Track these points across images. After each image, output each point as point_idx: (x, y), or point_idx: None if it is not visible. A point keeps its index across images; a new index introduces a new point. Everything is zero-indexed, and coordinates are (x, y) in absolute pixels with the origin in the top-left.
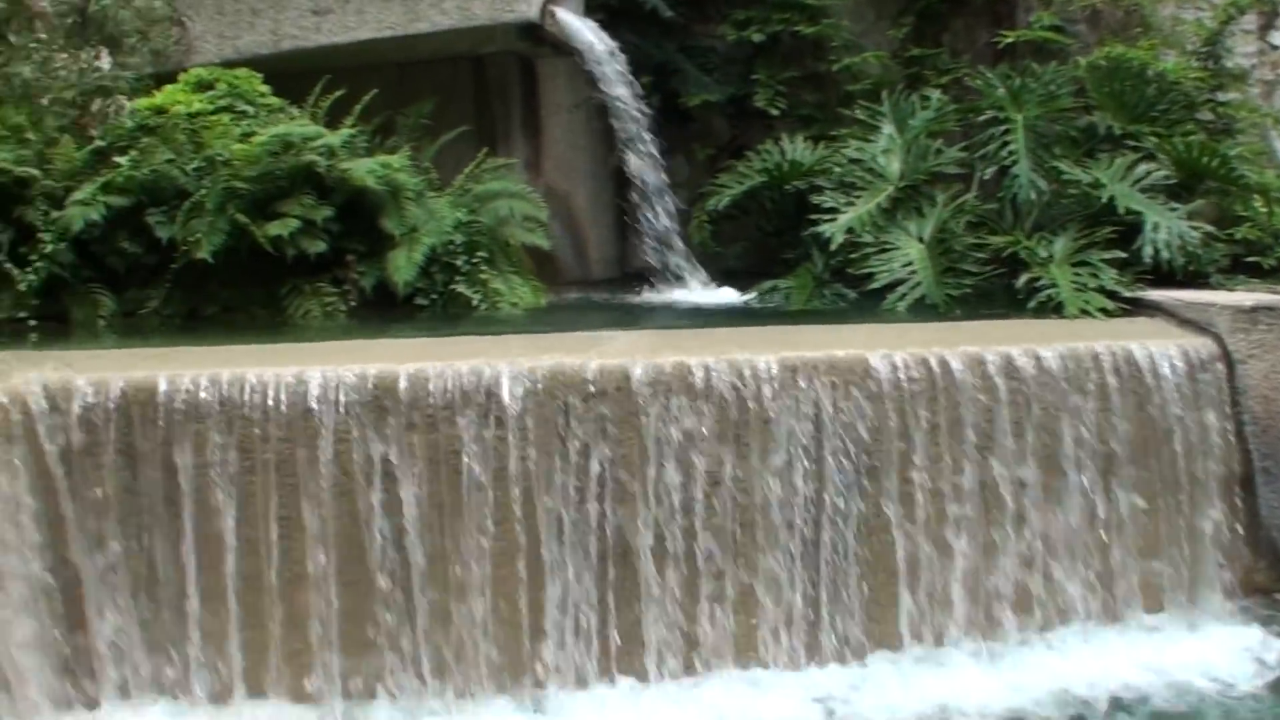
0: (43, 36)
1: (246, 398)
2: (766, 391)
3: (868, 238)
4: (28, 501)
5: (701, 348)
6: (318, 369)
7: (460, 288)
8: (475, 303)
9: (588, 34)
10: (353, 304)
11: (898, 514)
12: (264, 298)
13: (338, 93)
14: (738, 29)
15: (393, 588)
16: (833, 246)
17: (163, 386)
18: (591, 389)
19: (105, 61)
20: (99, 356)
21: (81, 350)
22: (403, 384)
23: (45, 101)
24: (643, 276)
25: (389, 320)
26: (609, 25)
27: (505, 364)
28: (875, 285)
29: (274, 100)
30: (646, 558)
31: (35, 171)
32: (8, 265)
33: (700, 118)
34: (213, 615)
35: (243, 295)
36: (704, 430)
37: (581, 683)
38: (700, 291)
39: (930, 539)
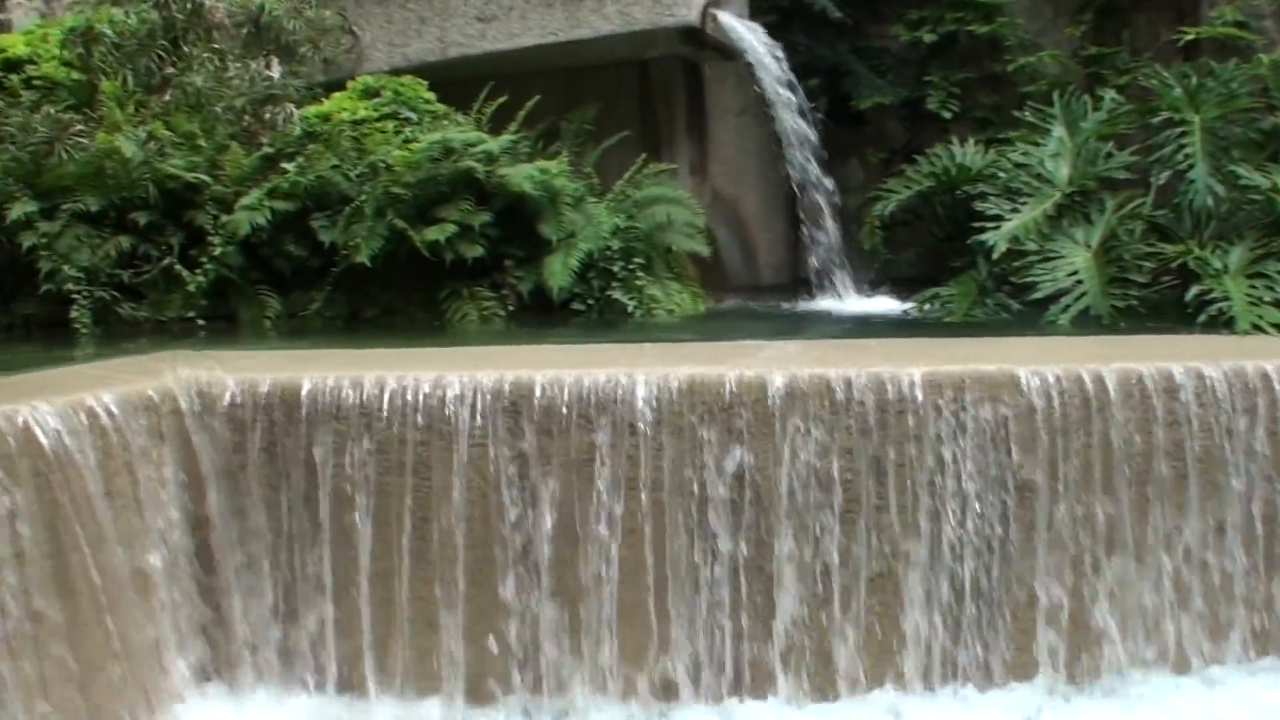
0: (217, 46)
1: (386, 400)
2: (909, 407)
3: (1032, 245)
4: (176, 494)
5: (844, 359)
6: (456, 374)
7: (616, 294)
8: (630, 309)
9: (749, 36)
10: (510, 309)
11: (1046, 538)
12: (424, 301)
13: (500, 99)
14: (910, 29)
15: (520, 590)
16: (995, 255)
17: (306, 387)
18: (728, 400)
19: (276, 70)
20: (249, 356)
21: (239, 350)
22: (538, 391)
23: (217, 110)
24: (809, 283)
25: (545, 326)
26: (781, 27)
27: (641, 373)
28: (1038, 295)
29: (438, 107)
30: (779, 574)
31: (206, 177)
32: (178, 267)
33: (874, 121)
34: (346, 608)
35: (403, 298)
36: (842, 446)
37: (711, 698)
38: (858, 300)
39: (1075, 566)
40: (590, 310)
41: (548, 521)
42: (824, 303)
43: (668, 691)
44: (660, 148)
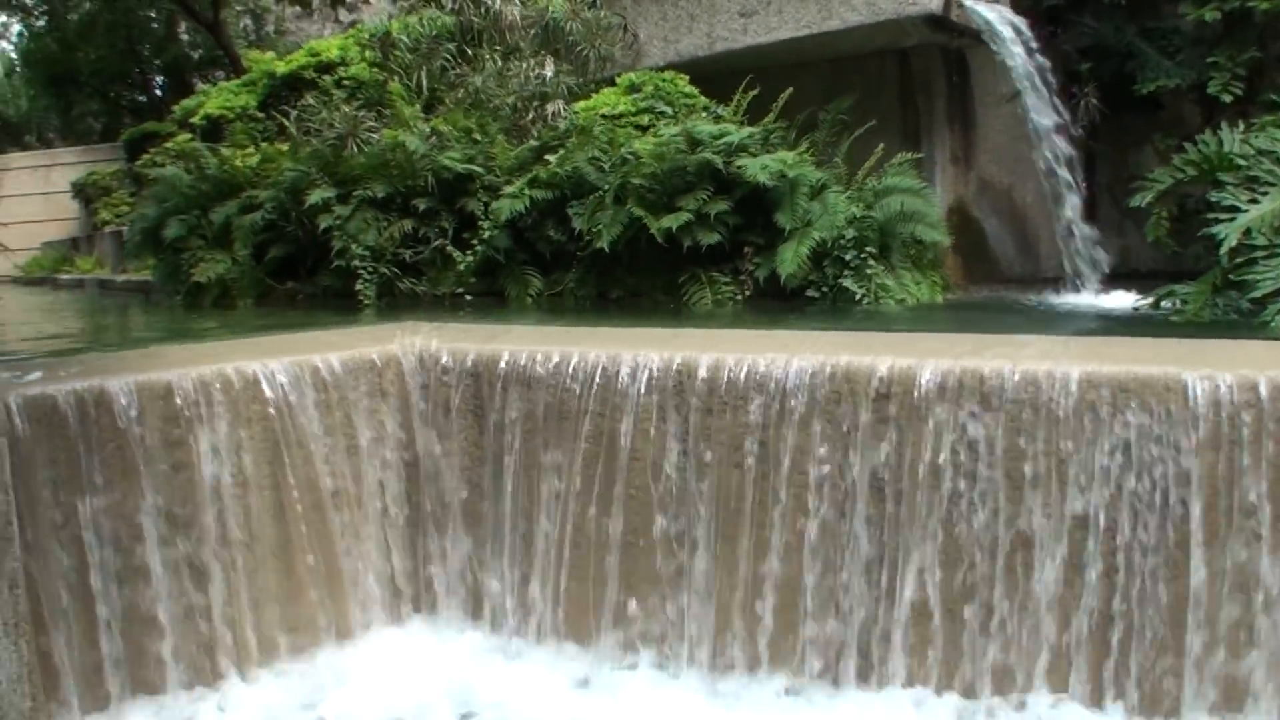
0: (500, 49)
1: (568, 373)
2: (1061, 407)
3: (1261, 240)
4: (391, 444)
5: (1009, 354)
6: (630, 353)
7: (847, 282)
8: (858, 297)
9: (996, 21)
10: (747, 294)
11: (1203, 558)
12: (666, 284)
13: (755, 91)
14: (1196, 6)
15: (671, 556)
16: (1223, 250)
17: (504, 359)
18: (878, 389)
19: (549, 69)
20: (467, 329)
21: (498, 323)
22: (701, 371)
23: (493, 106)
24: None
25: (777, 312)
26: (1071, 8)
27: (798, 359)
28: (1255, 294)
29: (696, 100)
30: (912, 567)
31: (478, 168)
32: (450, 248)
33: (1170, 105)
34: (525, 558)
35: (647, 281)
36: (990, 442)
37: (839, 681)
38: (1093, 295)
39: (1236, 587)
40: (824, 297)
41: (705, 492)
42: (1066, 297)
43: (802, 669)
44: (920, 137)
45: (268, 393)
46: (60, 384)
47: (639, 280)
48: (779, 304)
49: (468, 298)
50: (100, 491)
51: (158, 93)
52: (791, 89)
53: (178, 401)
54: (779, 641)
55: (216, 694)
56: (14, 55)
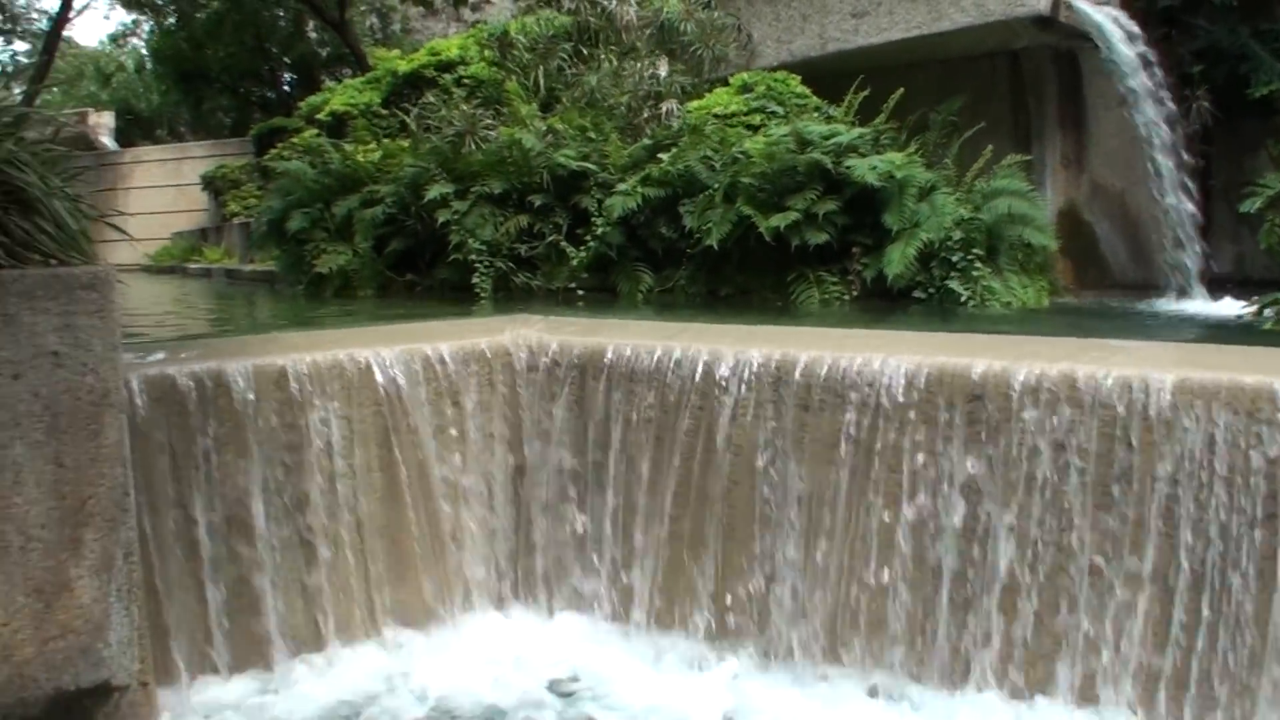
0: (615, 48)
1: (670, 368)
2: (1154, 413)
3: None
4: (498, 432)
5: (1104, 358)
6: (731, 349)
7: (953, 283)
8: (964, 299)
9: (1106, 23)
10: (854, 294)
11: None
12: (774, 283)
13: (865, 92)
14: None
15: (766, 550)
16: None
17: (609, 352)
18: (973, 390)
19: (663, 69)
20: (574, 323)
21: (609, 318)
22: (799, 369)
23: (608, 105)
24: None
25: (882, 312)
26: (1186, 10)
27: (894, 358)
28: None
29: (808, 100)
30: (1000, 571)
31: (592, 166)
32: (564, 244)
33: None
34: (624, 547)
35: (756, 279)
36: (1081, 447)
37: (922, 680)
38: (1204, 302)
39: None
40: (930, 299)
41: (800, 490)
42: (1176, 303)
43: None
44: (1030, 139)
45: (379, 379)
46: (180, 365)
47: (748, 278)
48: (885, 304)
49: (580, 293)
50: (214, 469)
51: (286, 89)
52: (902, 90)
53: (292, 385)
54: (870, 638)
55: (318, 664)
56: (145, 52)
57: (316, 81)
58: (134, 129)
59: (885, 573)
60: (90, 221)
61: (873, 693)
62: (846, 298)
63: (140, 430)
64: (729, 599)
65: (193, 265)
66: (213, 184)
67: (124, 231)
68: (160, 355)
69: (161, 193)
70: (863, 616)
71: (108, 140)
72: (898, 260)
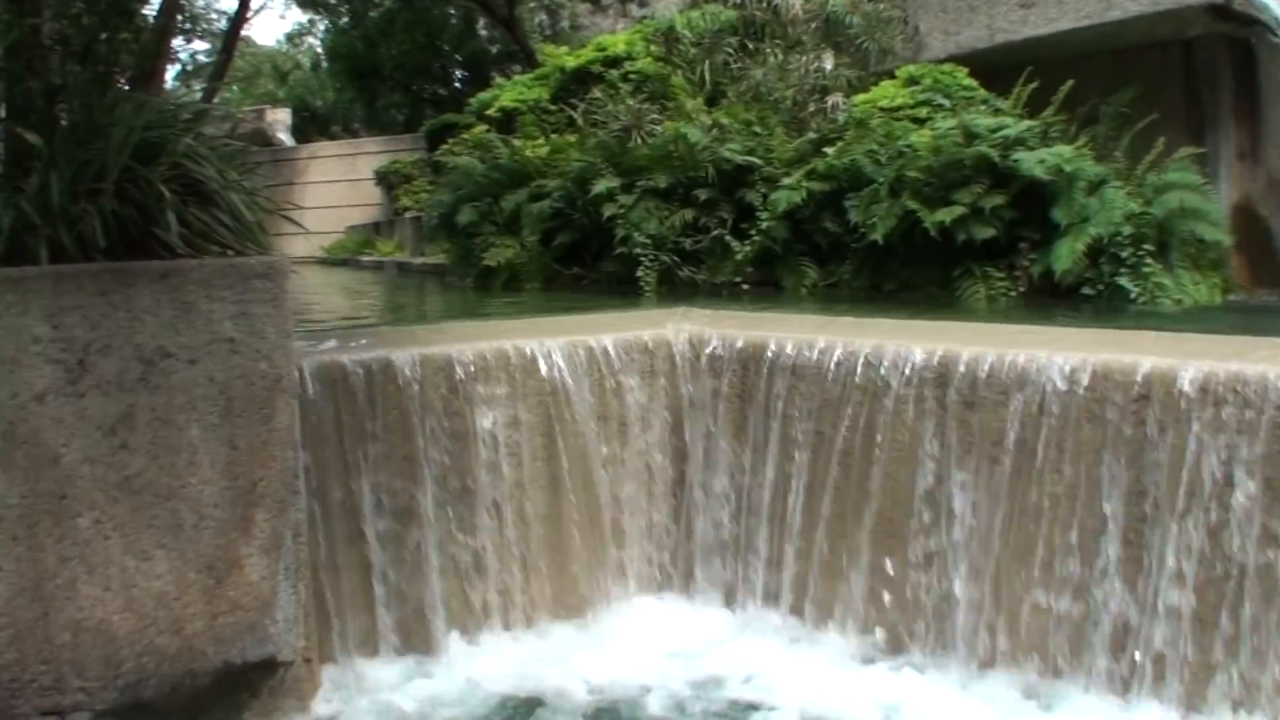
0: (780, 42)
1: (832, 363)
2: None
3: None
4: (659, 424)
5: (1274, 357)
6: (893, 344)
7: (1122, 280)
8: (1133, 295)
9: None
10: (1021, 290)
11: None
12: (939, 279)
13: (1033, 84)
14: None
15: (924, 548)
16: None
17: (771, 346)
18: (1138, 389)
19: (829, 63)
20: (737, 317)
21: (771, 312)
22: (961, 365)
23: (773, 99)
24: None
25: (1049, 309)
26: None
27: (1059, 356)
28: None
29: (976, 93)
30: (1167, 572)
31: (757, 160)
32: (729, 238)
33: None
34: (780, 541)
35: (921, 274)
36: (1250, 447)
37: (1089, 688)
38: None
39: None
40: (1099, 295)
41: (960, 487)
42: None
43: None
44: (1204, 131)
45: (543, 369)
46: (350, 353)
47: (913, 273)
48: (1053, 301)
49: (744, 287)
50: (381, 454)
51: (457, 86)
52: (1072, 81)
53: (458, 374)
54: (1029, 639)
55: (479, 648)
56: (320, 50)
57: (487, 78)
58: (310, 125)
59: (1047, 573)
60: (267, 215)
61: (1030, 694)
62: (1013, 294)
63: (310, 415)
64: (886, 596)
65: (365, 258)
66: (385, 179)
67: (299, 224)
68: (332, 344)
69: (336, 187)
70: (1023, 617)
71: (285, 136)
72: (1066, 256)
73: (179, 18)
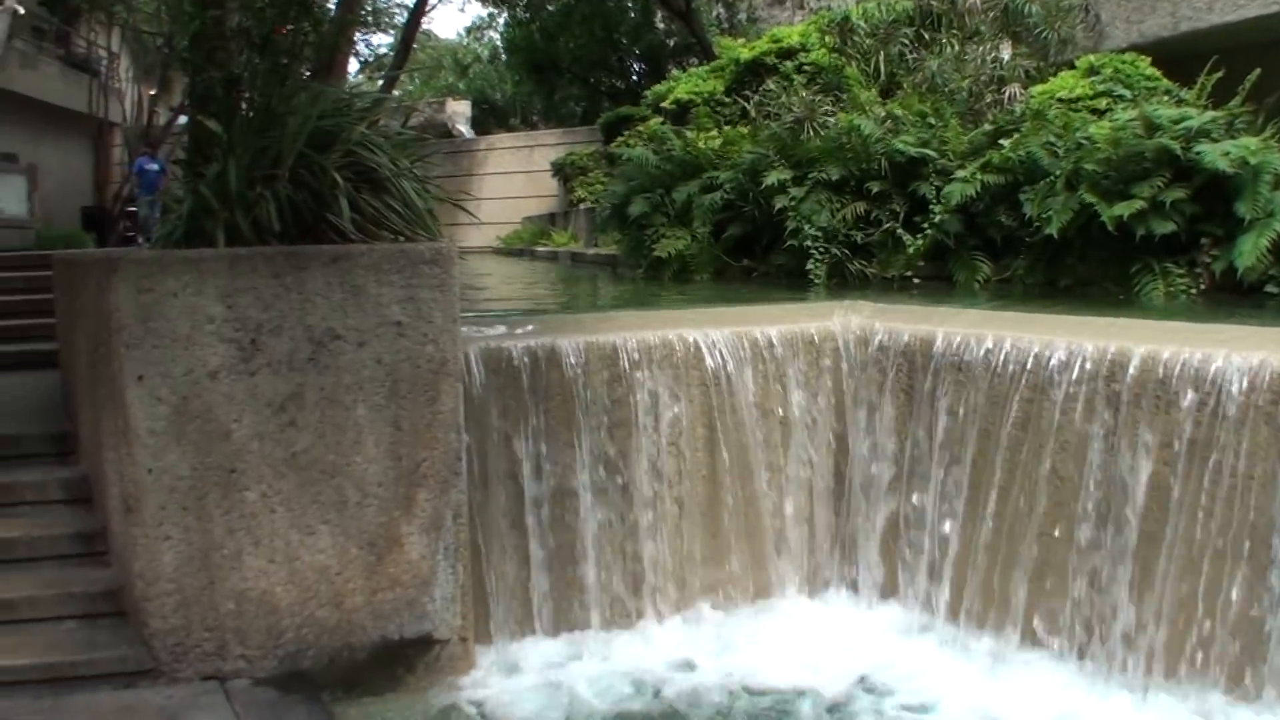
0: (957, 33)
1: (1000, 358)
2: None
3: None
4: (823, 420)
5: None
6: (1065, 340)
7: None
8: None
9: None
10: (1202, 287)
11: None
12: (1117, 274)
13: (1218, 74)
14: None
15: (1090, 548)
16: None
17: (938, 341)
18: None
19: (1006, 53)
20: (906, 310)
21: (942, 306)
22: (1134, 363)
23: (948, 90)
24: None
25: (1231, 307)
26: None
27: (1238, 357)
28: None
29: (1159, 83)
30: None
31: (931, 152)
32: (900, 231)
33: None
34: (943, 537)
35: (1098, 270)
36: None
37: (1247, 698)
38: None
39: None
40: None
41: (1131, 487)
42: None
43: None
44: None
45: (707, 359)
46: (516, 340)
47: (1089, 269)
48: (1235, 299)
49: (915, 281)
50: (543, 439)
51: (635, 78)
52: (1259, 70)
53: (622, 362)
54: (1206, 653)
55: (633, 634)
56: (499, 43)
57: (664, 71)
58: (489, 118)
59: (1224, 582)
60: (442, 204)
61: (1204, 715)
62: (1192, 291)
63: (475, 399)
64: (1049, 600)
65: (540, 249)
66: (562, 170)
67: (472, 214)
68: (499, 329)
69: (513, 179)
70: (1195, 628)
71: (464, 128)
72: (1249, 251)
73: (361, 11)
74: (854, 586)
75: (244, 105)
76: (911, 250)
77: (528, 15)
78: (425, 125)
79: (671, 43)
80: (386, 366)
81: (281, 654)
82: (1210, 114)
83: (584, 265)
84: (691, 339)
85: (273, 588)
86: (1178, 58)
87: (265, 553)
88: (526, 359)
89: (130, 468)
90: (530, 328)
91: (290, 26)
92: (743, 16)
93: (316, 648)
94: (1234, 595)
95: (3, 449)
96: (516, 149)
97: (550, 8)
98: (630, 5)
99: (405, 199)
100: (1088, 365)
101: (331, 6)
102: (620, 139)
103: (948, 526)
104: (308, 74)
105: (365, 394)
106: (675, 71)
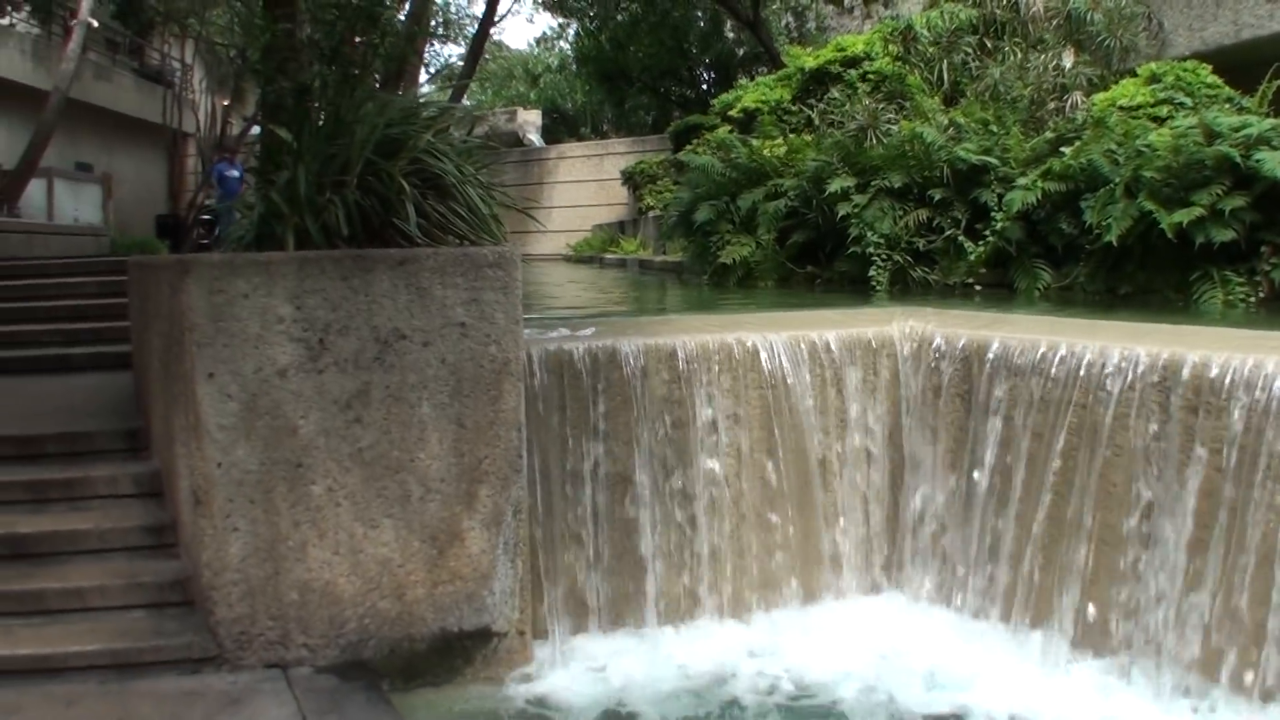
0: (1019, 41)
1: (1055, 363)
2: None
3: None
4: (881, 424)
5: None
6: (1118, 346)
7: None
8: None
9: None
10: (1261, 295)
11: None
12: (1176, 282)
13: (1279, 82)
14: None
15: (1142, 553)
16: None
17: (994, 346)
18: None
19: (1068, 61)
20: (966, 316)
21: (1004, 312)
22: (1186, 369)
23: (1011, 98)
24: None
25: None
26: None
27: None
28: None
29: (1221, 90)
30: None
31: (993, 159)
32: (962, 238)
33: None
34: (995, 541)
35: (1158, 278)
36: None
37: None
38: None
39: None
40: None
41: (1183, 493)
42: None
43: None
44: None
45: (765, 362)
46: (579, 341)
47: (1149, 276)
48: None
49: (977, 288)
50: (603, 438)
51: (705, 87)
52: None
53: (680, 364)
54: (1245, 658)
55: (688, 631)
56: (569, 53)
57: (734, 80)
58: (560, 127)
59: (1268, 587)
60: (512, 212)
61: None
62: (1251, 300)
63: (537, 399)
64: (1099, 603)
65: (609, 256)
66: (631, 179)
67: (539, 220)
68: (562, 331)
69: (583, 187)
70: (1240, 635)
71: (535, 137)
72: None
73: (431, 23)
74: (908, 588)
75: (313, 114)
76: (973, 257)
77: (595, 26)
78: (495, 134)
79: (741, 51)
80: (450, 366)
81: (343, 643)
82: (1271, 121)
83: (652, 272)
84: (750, 342)
85: (336, 579)
86: (1240, 65)
87: (330, 545)
88: (588, 360)
89: (200, 462)
90: (592, 330)
91: (359, 39)
92: (812, 25)
93: (378, 638)
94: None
95: (77, 445)
96: (587, 157)
97: (618, 18)
98: (699, 15)
99: (470, 204)
100: (1140, 371)
101: (402, 18)
102: (689, 147)
103: (1003, 529)
104: (377, 83)
105: (429, 392)
106: (743, 80)
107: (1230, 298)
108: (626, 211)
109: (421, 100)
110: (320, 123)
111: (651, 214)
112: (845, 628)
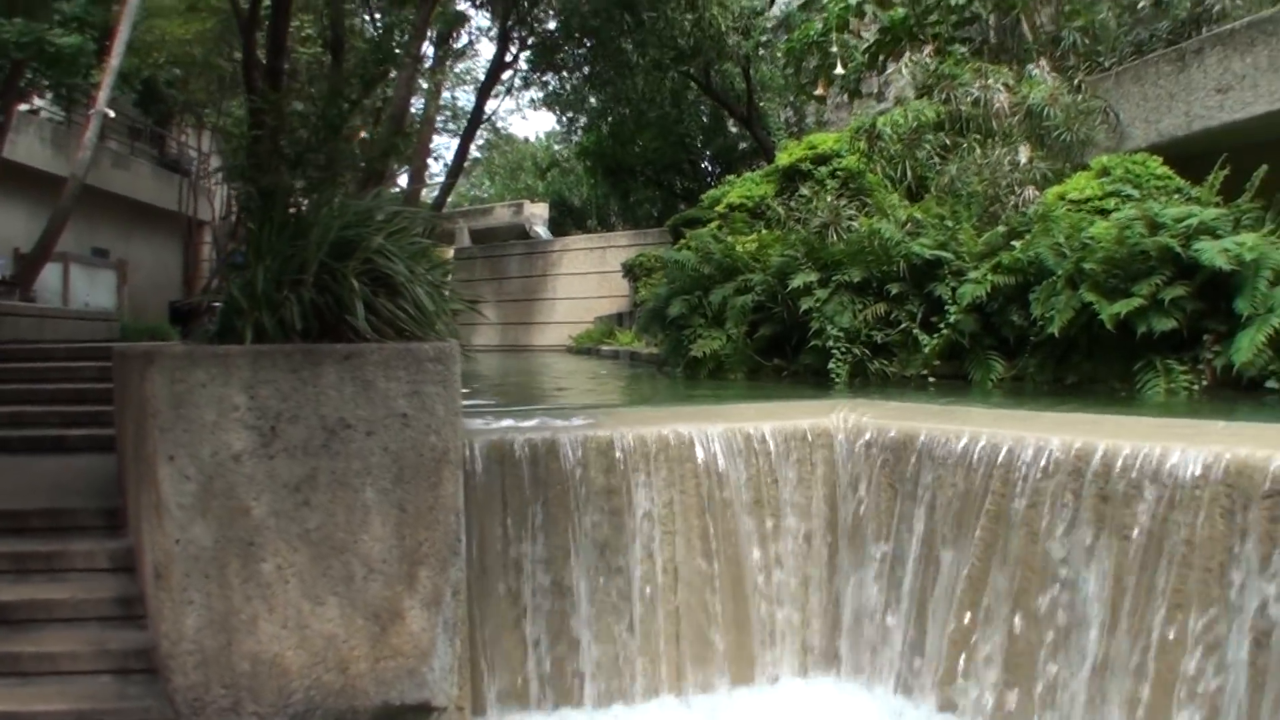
0: (978, 137)
1: (975, 453)
2: None
3: None
4: (816, 512)
5: None
6: (1035, 436)
7: None
8: None
9: None
10: (1204, 383)
11: None
12: (1121, 371)
13: (1224, 171)
14: None
15: (1055, 641)
16: None
17: (921, 436)
18: (1271, 486)
19: (1023, 155)
20: (898, 408)
21: (956, 404)
22: (1097, 457)
23: (967, 193)
24: None
25: (1231, 403)
26: None
27: (1193, 450)
28: None
29: (1170, 181)
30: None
31: (947, 254)
32: (917, 331)
33: None
34: (920, 623)
35: (1103, 367)
36: None
37: None
38: None
39: None
40: None
41: (1093, 581)
42: None
43: None
44: None
45: (699, 453)
46: (520, 433)
47: (1094, 366)
48: (1237, 395)
49: (932, 380)
50: (541, 525)
51: (709, 181)
52: (1265, 167)
53: (617, 455)
54: None
55: (625, 712)
56: (575, 147)
57: (736, 173)
58: (567, 218)
59: (1187, 670)
60: (517, 304)
61: None
62: (1195, 388)
63: (477, 487)
64: (1019, 686)
65: (605, 348)
66: (631, 271)
67: (483, 315)
68: (507, 422)
69: (586, 279)
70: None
71: (541, 230)
72: (1246, 347)
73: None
74: (842, 672)
75: (275, 215)
76: (928, 350)
77: (588, 124)
78: (502, 227)
79: (742, 145)
80: (393, 454)
81: (291, 713)
82: (1216, 211)
83: (640, 364)
84: (686, 434)
85: (284, 651)
86: (1194, 156)
87: (279, 619)
88: (528, 451)
89: (160, 538)
90: (535, 421)
91: (322, 149)
92: (810, 120)
93: (323, 709)
94: (1186, 680)
95: (60, 520)
96: (590, 250)
97: (612, 119)
98: (702, 110)
99: (417, 303)
100: (1054, 459)
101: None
102: (682, 241)
103: (924, 614)
104: (361, 184)
105: (373, 478)
106: (745, 173)
107: (1173, 386)
108: (627, 303)
109: (375, 204)
110: (279, 224)
111: (645, 306)
112: (781, 712)
